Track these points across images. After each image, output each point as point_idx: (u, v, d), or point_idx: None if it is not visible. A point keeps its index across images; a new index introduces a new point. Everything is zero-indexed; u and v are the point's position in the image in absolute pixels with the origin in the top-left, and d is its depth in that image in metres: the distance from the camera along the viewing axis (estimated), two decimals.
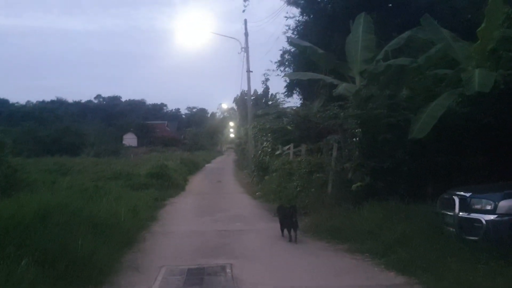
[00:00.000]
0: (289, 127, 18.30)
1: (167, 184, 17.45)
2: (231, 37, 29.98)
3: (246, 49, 24.82)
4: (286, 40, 25.17)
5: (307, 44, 11.32)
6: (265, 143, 20.75)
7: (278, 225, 9.57)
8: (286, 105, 28.35)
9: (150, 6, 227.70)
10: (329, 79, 11.47)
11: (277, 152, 18.28)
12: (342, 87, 10.13)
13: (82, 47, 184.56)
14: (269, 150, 19.66)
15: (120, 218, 8.39)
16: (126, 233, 8.10)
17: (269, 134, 21.56)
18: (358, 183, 9.98)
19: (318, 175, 11.79)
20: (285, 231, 8.94)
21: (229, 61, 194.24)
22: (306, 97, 25.89)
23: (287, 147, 17.98)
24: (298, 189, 12.56)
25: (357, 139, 10.86)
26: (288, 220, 8.89)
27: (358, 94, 10.47)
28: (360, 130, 10.78)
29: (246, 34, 24.79)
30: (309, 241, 8.62)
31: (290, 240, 8.64)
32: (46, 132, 54.54)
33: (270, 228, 9.75)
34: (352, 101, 11.41)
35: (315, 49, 10.87)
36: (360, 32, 11.63)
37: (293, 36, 26.06)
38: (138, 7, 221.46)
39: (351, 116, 10.78)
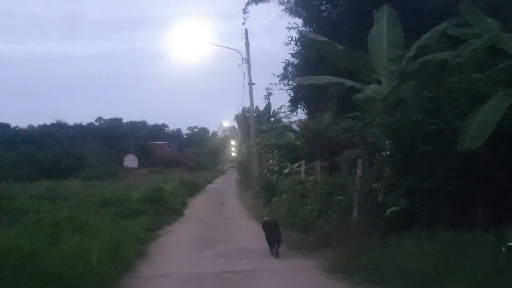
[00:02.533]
0: (298, 143, 16.41)
1: (163, 209, 15.44)
2: (231, 48, 28.38)
3: (247, 60, 23.08)
4: (290, 46, 23.42)
5: (323, 38, 9.45)
6: (271, 160, 18.83)
7: (297, 263, 8.08)
8: (292, 119, 26.35)
9: (149, 29, 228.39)
10: (349, 82, 9.60)
11: (286, 171, 16.36)
12: (370, 90, 8.26)
13: (83, 71, 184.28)
14: (276, 168, 17.76)
15: (92, 262, 6.39)
16: (99, 283, 6.12)
17: (275, 151, 19.70)
18: (394, 208, 8.04)
19: (339, 197, 9.83)
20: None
21: (229, 80, 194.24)
22: (312, 111, 24.16)
23: (296, 164, 16.08)
24: (315, 213, 10.61)
25: (387, 153, 8.95)
26: (272, 235, 9.05)
27: (388, 98, 8.61)
28: (390, 142, 8.88)
29: (247, 45, 23.04)
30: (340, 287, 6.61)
31: (277, 256, 8.72)
32: (45, 156, 53.55)
33: (286, 268, 7.81)
34: (378, 107, 9.56)
35: (333, 45, 9.01)
36: (384, 27, 9.82)
37: (296, 48, 24.48)
38: (138, 30, 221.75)
39: (380, 125, 8.89)
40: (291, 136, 16.56)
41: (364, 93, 8.28)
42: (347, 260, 7.49)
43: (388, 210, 8.07)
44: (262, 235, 11.43)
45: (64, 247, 6.68)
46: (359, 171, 9.36)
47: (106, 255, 7.20)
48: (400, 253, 6.80)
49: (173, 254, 9.49)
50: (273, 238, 8.97)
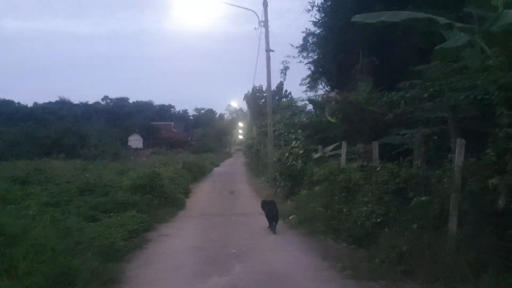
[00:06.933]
0: (332, 120, 12.89)
1: (158, 201, 12.03)
2: (247, 9, 24.65)
3: (265, 23, 19.42)
4: (311, 13, 19.85)
5: None
6: (294, 142, 15.36)
7: None
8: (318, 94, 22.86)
9: (157, 9, 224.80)
10: (442, 19, 6.11)
11: (316, 155, 12.88)
12: (510, 16, 4.80)
13: (90, 50, 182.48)
14: (301, 152, 14.31)
15: None
16: None
17: (299, 131, 16.24)
18: None
19: (422, 198, 6.38)
20: None
21: (236, 63, 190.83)
22: (335, 87, 20.82)
23: (331, 147, 12.62)
24: (377, 219, 7.17)
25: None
26: (270, 213, 9.63)
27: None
28: None
29: (265, 4, 19.33)
30: None
31: (274, 233, 9.22)
32: (46, 133, 50.85)
33: None
34: (492, 57, 6.05)
35: None
36: None
37: (318, 15, 20.94)
38: (145, 10, 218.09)
39: (500, 84, 5.43)
40: (326, 111, 12.95)
41: (503, 21, 4.74)
42: None
43: None
44: (295, 246, 8.12)
45: None
46: (459, 158, 5.87)
47: None
48: None
49: (163, 281, 6.10)
50: (271, 216, 9.60)
